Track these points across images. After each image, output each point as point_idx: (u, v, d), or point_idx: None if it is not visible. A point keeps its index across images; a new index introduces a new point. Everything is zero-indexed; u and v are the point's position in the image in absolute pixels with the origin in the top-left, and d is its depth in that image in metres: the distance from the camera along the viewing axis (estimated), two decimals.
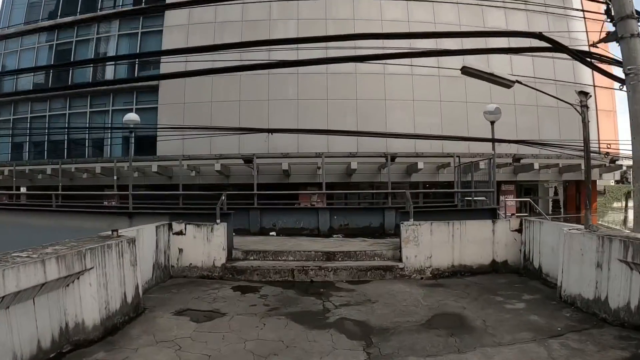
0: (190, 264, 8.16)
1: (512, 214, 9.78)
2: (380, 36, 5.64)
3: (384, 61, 19.75)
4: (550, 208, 24.48)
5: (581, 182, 23.01)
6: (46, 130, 23.65)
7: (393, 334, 5.13)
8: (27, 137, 24.73)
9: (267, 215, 12.08)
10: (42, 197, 19.16)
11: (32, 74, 22.22)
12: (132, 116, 10.59)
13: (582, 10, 22.63)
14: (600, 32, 6.92)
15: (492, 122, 9.48)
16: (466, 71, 5.92)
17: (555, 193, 25.16)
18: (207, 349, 4.69)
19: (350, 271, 7.83)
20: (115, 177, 13.50)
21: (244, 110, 19.18)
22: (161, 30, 21.50)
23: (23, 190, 22.94)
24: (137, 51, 21.93)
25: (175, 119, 18.76)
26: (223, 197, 8.70)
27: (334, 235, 11.27)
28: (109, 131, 21.29)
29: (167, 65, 20.53)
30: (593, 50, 7.49)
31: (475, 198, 11.38)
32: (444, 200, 17.15)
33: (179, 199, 12.96)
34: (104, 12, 23.05)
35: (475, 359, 4.45)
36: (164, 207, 11.70)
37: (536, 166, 18.60)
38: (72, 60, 23.27)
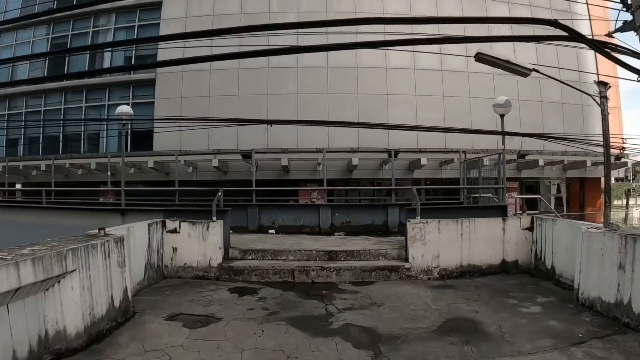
0: (185, 263, 7.73)
1: (523, 212, 9.36)
2: (382, 21, 5.24)
3: (385, 56, 19.35)
4: (553, 206, 24.10)
5: (585, 180, 22.67)
6: (41, 126, 23.13)
7: (403, 342, 4.72)
8: (22, 132, 24.27)
9: (266, 212, 11.65)
10: (37, 194, 18.71)
11: (28, 61, 21.67)
12: (125, 108, 10.13)
13: (586, 3, 22.29)
14: (604, 20, 6.49)
15: (502, 116, 9.05)
16: (480, 58, 5.50)
17: (558, 190, 24.74)
18: (199, 359, 4.28)
19: (354, 271, 7.41)
20: (109, 173, 13.07)
21: (243, 105, 18.71)
22: (158, 23, 20.98)
23: (18, 186, 22.49)
24: (135, 47, 21.44)
25: (172, 114, 18.30)
26: (219, 194, 8.27)
27: (336, 233, 10.85)
28: (105, 126, 20.78)
29: (164, 56, 20.15)
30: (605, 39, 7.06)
31: (482, 195, 10.94)
32: (446, 198, 16.78)
33: (175, 195, 12.51)
34: (100, 6, 22.52)
35: None
36: (160, 204, 11.27)
37: (541, 162, 18.20)
38: (70, 57, 22.84)
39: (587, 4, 21.19)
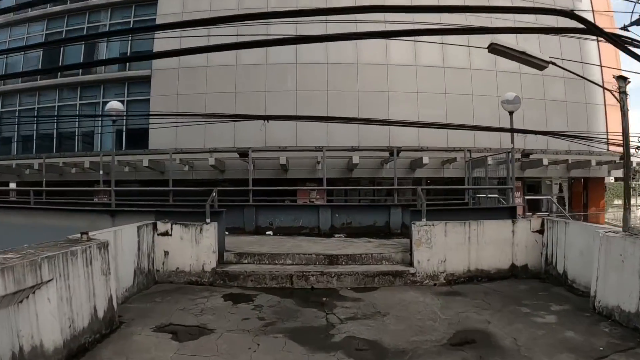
0: (177, 268, 7.32)
1: (533, 214, 8.98)
2: (382, 8, 4.91)
3: (386, 52, 18.96)
4: (555, 206, 23.72)
5: (589, 179, 22.31)
6: (34, 121, 22.66)
7: (412, 358, 4.32)
8: (16, 130, 23.81)
9: (264, 212, 11.23)
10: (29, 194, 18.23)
11: (22, 53, 21.19)
12: (115, 104, 9.70)
13: None
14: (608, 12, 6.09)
15: (511, 113, 8.65)
16: (494, 49, 5.10)
17: (560, 190, 24.36)
18: None
19: (356, 277, 7.00)
20: (100, 172, 12.63)
21: (240, 102, 18.27)
22: (154, 19, 20.50)
23: (12, 186, 22.03)
24: (130, 41, 21.00)
25: (168, 118, 17.85)
26: (214, 194, 7.85)
27: (336, 235, 10.44)
28: (99, 124, 20.31)
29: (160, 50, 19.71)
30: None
31: (489, 195, 10.56)
32: (447, 198, 16.35)
33: (169, 195, 12.08)
34: (95, 1, 22.08)
35: None
36: (153, 205, 10.85)
37: (545, 162, 17.82)
38: (62, 52, 22.40)
39: None
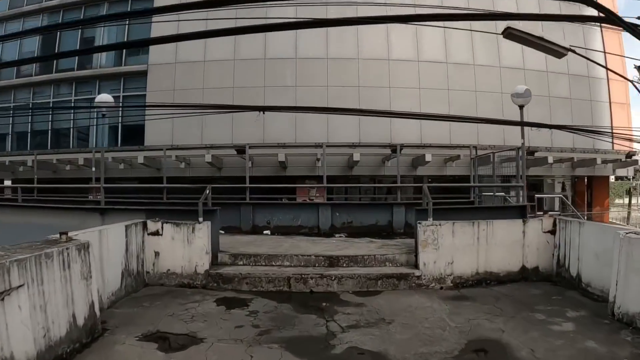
0: (168, 270, 6.90)
1: (545, 213, 8.57)
2: None
3: (388, 47, 18.50)
4: (559, 205, 23.32)
5: (593, 178, 21.92)
6: (29, 115, 22.21)
7: None
8: (10, 127, 23.34)
9: (261, 211, 10.80)
10: (24, 191, 17.81)
11: (18, 39, 20.73)
12: (105, 97, 9.28)
13: None
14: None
15: (521, 107, 8.22)
16: (510, 34, 4.68)
17: (563, 189, 23.96)
18: None
19: (358, 280, 6.59)
20: (93, 169, 12.19)
21: (238, 98, 17.76)
22: (151, 16, 20.01)
23: (7, 183, 21.60)
24: (125, 36, 20.54)
25: (165, 110, 17.41)
26: (207, 191, 7.44)
27: (336, 235, 10.01)
28: (94, 120, 19.84)
29: (157, 50, 19.30)
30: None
31: (497, 194, 10.14)
32: (450, 196, 15.91)
33: (163, 192, 11.65)
34: None
35: None
36: (146, 203, 10.45)
37: (550, 160, 17.38)
38: (58, 45, 21.94)
39: None
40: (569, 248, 7.18)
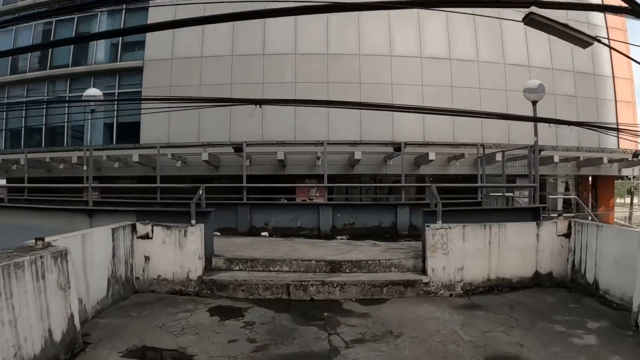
0: (159, 276, 6.45)
1: (559, 215, 8.13)
2: None
3: (390, 43, 18.02)
4: (561, 205, 22.91)
5: (598, 177, 21.51)
6: (23, 110, 21.73)
7: None
8: (3, 124, 22.87)
9: (259, 211, 10.35)
10: (16, 190, 17.36)
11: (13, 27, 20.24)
12: (93, 91, 8.85)
13: None
14: None
15: (534, 102, 7.79)
16: (532, 19, 4.24)
17: (567, 189, 23.54)
18: None
19: (362, 287, 6.15)
20: (84, 167, 11.73)
21: (236, 95, 17.26)
22: (147, 8, 19.55)
23: (2, 182, 21.13)
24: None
25: (160, 103, 16.95)
26: (200, 191, 7.00)
27: (338, 237, 9.56)
28: (89, 117, 19.36)
29: (153, 45, 18.83)
30: None
31: (506, 194, 9.70)
32: (455, 197, 15.48)
33: (157, 192, 11.20)
34: None
35: None
36: (138, 203, 10.01)
37: (556, 159, 16.97)
38: (52, 41, 21.47)
39: None
40: (585, 252, 6.76)
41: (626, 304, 5.65)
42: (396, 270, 6.71)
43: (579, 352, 4.46)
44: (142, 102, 14.42)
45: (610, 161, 19.11)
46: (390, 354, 4.30)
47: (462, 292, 6.42)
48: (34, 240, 4.32)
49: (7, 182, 20.44)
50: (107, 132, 20.06)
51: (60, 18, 21.60)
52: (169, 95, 17.68)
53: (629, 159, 19.33)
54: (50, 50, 21.60)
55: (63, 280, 4.23)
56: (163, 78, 18.13)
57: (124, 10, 19.94)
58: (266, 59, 17.56)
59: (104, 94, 17.36)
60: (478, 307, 5.87)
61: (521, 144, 13.06)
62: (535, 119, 7.50)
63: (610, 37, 21.21)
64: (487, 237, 6.50)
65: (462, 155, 15.95)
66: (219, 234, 9.44)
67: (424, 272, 6.52)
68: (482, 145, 11.54)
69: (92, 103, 8.60)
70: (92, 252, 5.38)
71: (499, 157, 13.10)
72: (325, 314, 5.49)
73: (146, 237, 6.43)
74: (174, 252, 6.38)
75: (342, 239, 9.42)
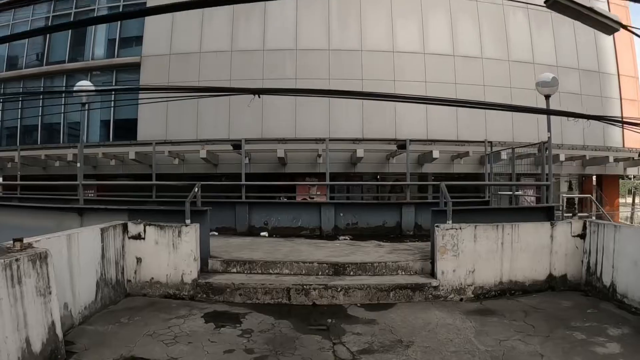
0: (152, 278, 6.09)
1: (574, 215, 7.80)
2: None
3: (392, 38, 17.61)
4: (565, 205, 22.57)
5: (603, 177, 21.19)
6: (18, 114, 21.33)
7: None
8: None
9: (258, 211, 9.98)
10: (8, 188, 17.01)
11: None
12: (84, 83, 8.50)
13: None
14: None
15: (547, 96, 7.43)
16: (555, 2, 3.89)
17: (570, 188, 23.21)
18: None
19: (367, 291, 5.78)
20: (78, 165, 11.36)
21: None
22: (145, 2, 19.17)
23: None
24: (119, 28, 19.67)
25: (157, 93, 16.56)
26: (196, 189, 6.63)
27: (340, 237, 9.19)
28: (85, 114, 18.97)
29: (151, 41, 18.46)
30: None
31: (516, 193, 9.34)
32: (460, 196, 15.14)
33: (152, 190, 10.84)
34: None
35: None
36: (131, 202, 9.65)
37: (562, 157, 16.61)
38: (49, 39, 21.12)
39: None
40: (602, 254, 6.41)
41: None
42: (403, 273, 6.35)
43: None
44: (140, 92, 14.00)
45: (616, 160, 18.77)
46: None
47: (473, 296, 6.06)
48: (11, 242, 3.96)
49: (2, 180, 20.14)
50: (104, 129, 19.70)
51: (57, 13, 21.27)
52: (167, 91, 17.37)
53: (635, 158, 18.99)
54: (46, 45, 21.21)
55: (43, 285, 3.86)
56: (161, 74, 17.72)
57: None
58: (266, 55, 17.18)
59: (101, 91, 17.06)
60: (491, 313, 5.52)
61: (526, 142, 12.78)
62: (548, 112, 7.15)
63: (614, 34, 20.91)
64: (500, 237, 6.14)
65: (467, 154, 15.58)
66: (216, 233, 9.09)
67: (432, 274, 6.16)
68: (490, 143, 11.15)
69: (85, 97, 8.20)
70: (78, 253, 5.02)
71: (504, 155, 12.75)
72: (329, 320, 5.14)
73: (138, 237, 6.07)
74: (168, 253, 6.01)
75: (344, 239, 9.04)
